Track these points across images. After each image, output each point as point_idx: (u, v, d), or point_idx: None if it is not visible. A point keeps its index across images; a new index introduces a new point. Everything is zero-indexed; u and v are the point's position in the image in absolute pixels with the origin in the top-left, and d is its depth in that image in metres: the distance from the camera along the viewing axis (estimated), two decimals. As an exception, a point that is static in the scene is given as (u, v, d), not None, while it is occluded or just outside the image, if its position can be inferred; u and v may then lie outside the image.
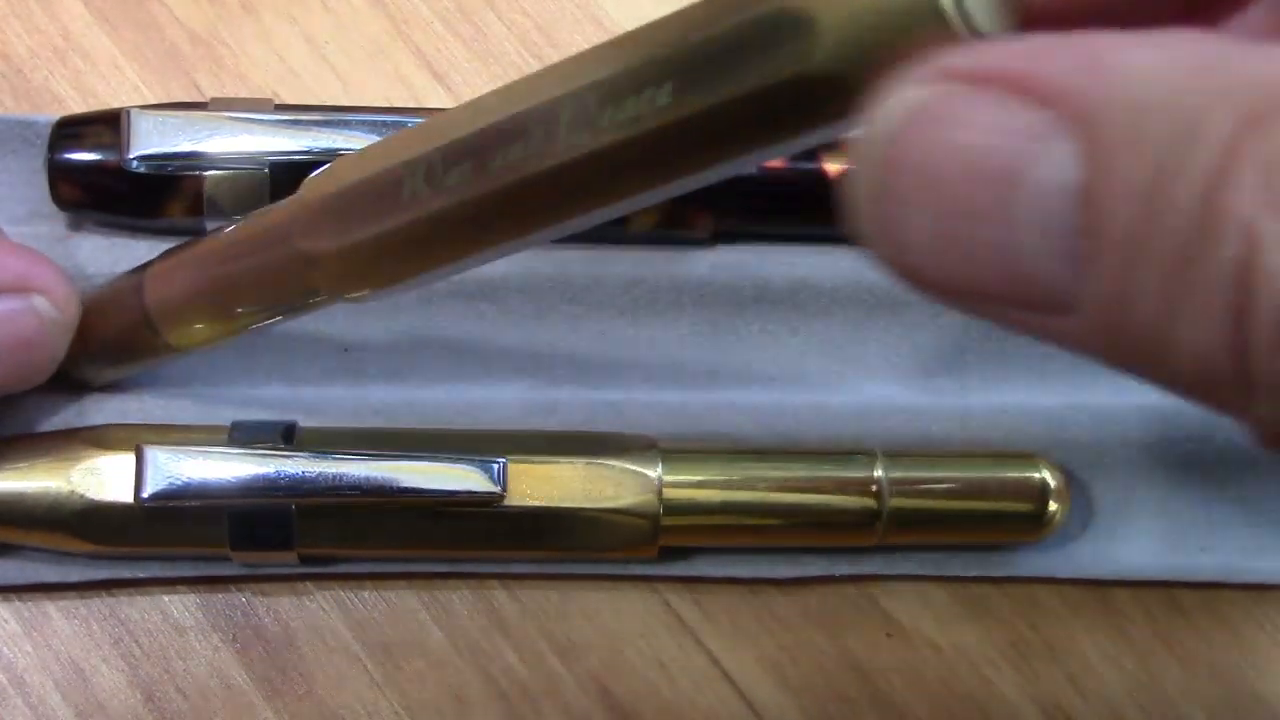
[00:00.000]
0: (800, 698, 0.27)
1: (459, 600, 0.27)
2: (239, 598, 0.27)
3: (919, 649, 0.28)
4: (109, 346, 0.26)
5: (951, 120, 0.15)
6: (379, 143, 0.22)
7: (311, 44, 0.31)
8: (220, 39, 0.31)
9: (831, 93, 0.16)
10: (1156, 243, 0.13)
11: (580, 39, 0.31)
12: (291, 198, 0.23)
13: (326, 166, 0.22)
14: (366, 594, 0.27)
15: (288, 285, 0.23)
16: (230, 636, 0.27)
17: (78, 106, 0.30)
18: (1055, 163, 0.14)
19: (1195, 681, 0.28)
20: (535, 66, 0.31)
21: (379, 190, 0.21)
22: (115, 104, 0.30)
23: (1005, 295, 0.15)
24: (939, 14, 0.15)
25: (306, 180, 0.22)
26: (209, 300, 0.24)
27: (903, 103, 0.15)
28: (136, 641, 0.26)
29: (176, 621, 0.27)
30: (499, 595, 0.27)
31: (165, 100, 0.30)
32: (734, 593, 0.27)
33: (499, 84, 0.31)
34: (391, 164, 0.21)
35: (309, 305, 0.24)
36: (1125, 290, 0.14)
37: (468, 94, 0.31)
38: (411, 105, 0.31)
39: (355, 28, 0.31)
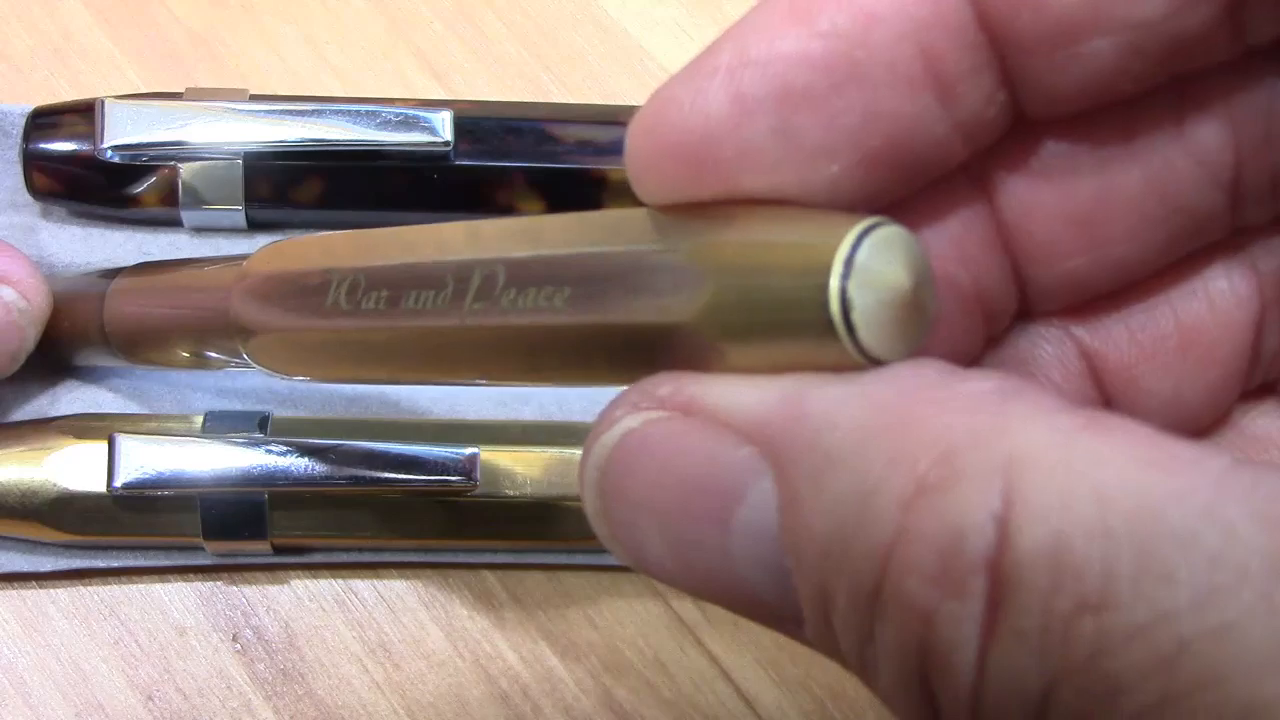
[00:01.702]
0: (800, 697, 0.27)
1: (459, 600, 0.27)
2: (239, 598, 0.27)
3: (919, 649, 0.28)
4: (72, 342, 0.26)
5: (665, 449, 0.15)
6: (328, 235, 0.22)
7: (311, 44, 0.31)
8: (220, 39, 0.31)
9: (697, 350, 0.16)
10: (841, 600, 0.13)
11: (580, 39, 0.31)
12: (241, 262, 0.22)
13: (276, 243, 0.22)
14: (366, 594, 0.27)
15: (219, 344, 0.23)
16: (230, 636, 0.27)
17: (78, 106, 0.30)
18: (758, 502, 0.14)
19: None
20: (535, 66, 0.31)
21: (307, 289, 0.21)
22: (115, 104, 0.30)
23: (743, 612, 0.15)
24: (829, 326, 0.14)
25: (257, 251, 0.22)
26: (153, 333, 0.24)
27: (620, 429, 0.15)
28: (136, 641, 0.26)
29: (176, 621, 0.27)
30: (499, 595, 0.27)
31: (165, 100, 0.30)
32: (734, 593, 0.27)
33: (499, 84, 0.31)
34: (325, 266, 0.20)
35: (237, 366, 0.23)
36: (826, 629, 0.14)
37: (467, 94, 0.31)
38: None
39: (355, 28, 0.31)
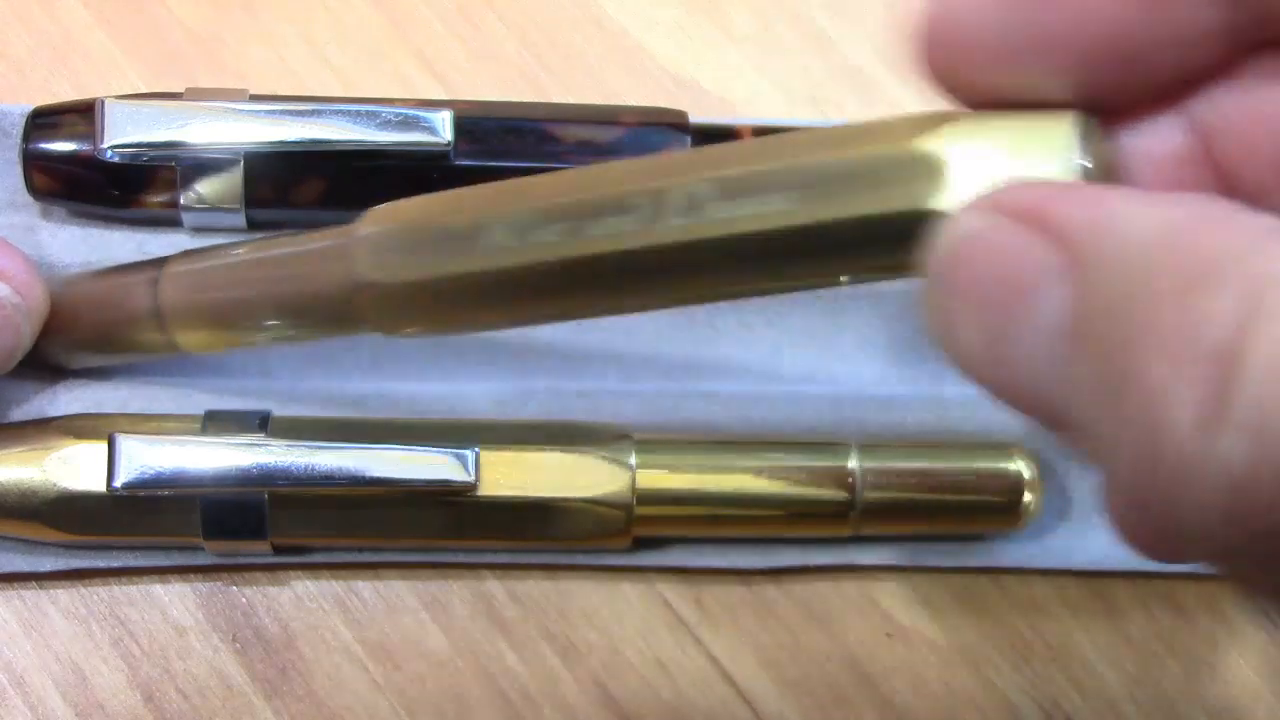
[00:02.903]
0: (800, 697, 0.27)
1: (459, 600, 0.27)
2: (239, 598, 0.27)
3: (919, 649, 0.28)
4: (103, 337, 0.26)
5: (986, 245, 0.18)
6: (456, 192, 0.22)
7: (311, 44, 0.31)
8: (220, 39, 0.31)
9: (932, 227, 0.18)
10: (1120, 386, 0.15)
11: (580, 39, 0.31)
12: (350, 225, 0.22)
13: (393, 203, 0.22)
14: (366, 594, 0.27)
15: (333, 311, 0.23)
16: (230, 636, 0.27)
17: (78, 106, 0.30)
18: (1059, 297, 0.16)
19: (1195, 681, 0.28)
20: (535, 66, 0.31)
21: (456, 234, 0.21)
22: (115, 104, 0.30)
23: (1028, 407, 0.18)
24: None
25: (371, 210, 0.22)
26: (238, 311, 0.24)
27: (957, 227, 0.18)
28: (136, 641, 0.26)
29: (176, 622, 0.27)
30: (499, 595, 0.27)
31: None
32: (734, 592, 0.27)
33: (499, 84, 0.31)
34: (472, 210, 0.21)
35: (347, 331, 0.24)
36: (1101, 422, 0.16)
37: (467, 94, 0.31)
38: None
39: (355, 28, 0.31)
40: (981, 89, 0.19)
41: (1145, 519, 0.15)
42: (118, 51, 0.30)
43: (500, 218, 0.21)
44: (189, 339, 0.25)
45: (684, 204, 0.20)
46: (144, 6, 0.31)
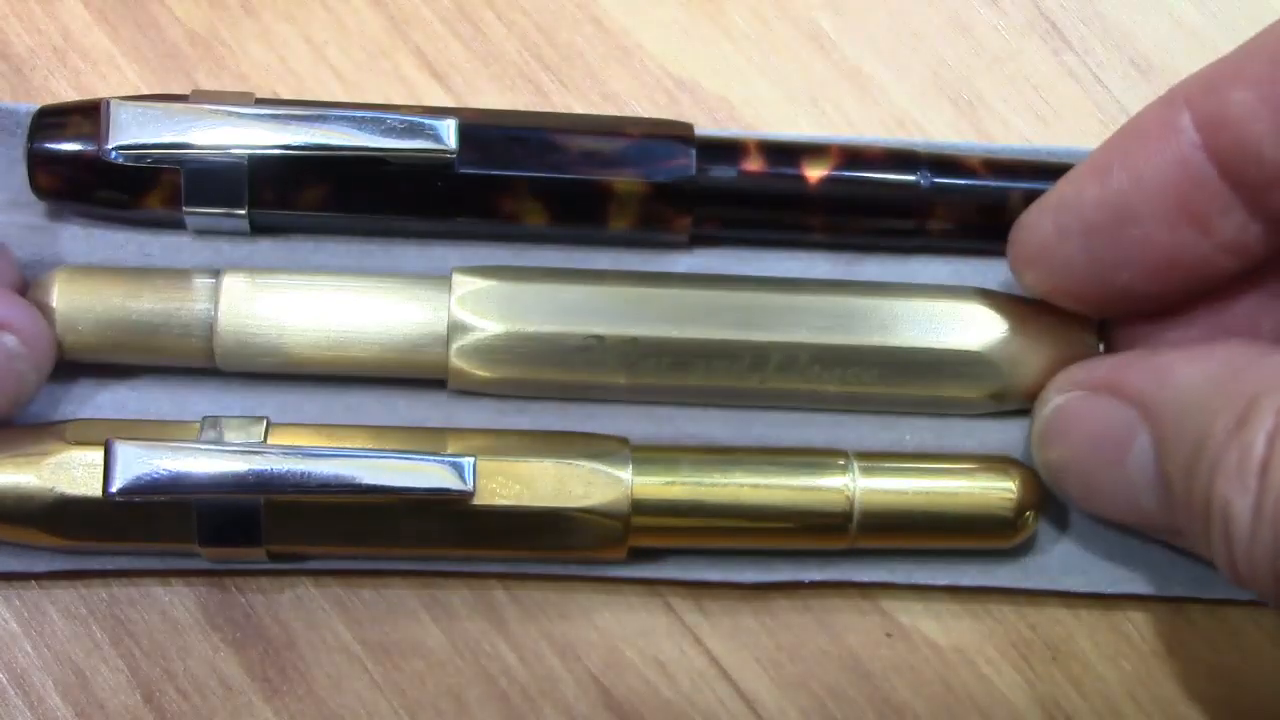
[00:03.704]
0: (800, 698, 0.27)
1: (459, 600, 0.27)
2: (239, 598, 0.27)
3: (919, 649, 0.28)
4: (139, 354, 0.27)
5: (1078, 415, 0.25)
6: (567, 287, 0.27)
7: (311, 44, 0.31)
8: (220, 39, 0.31)
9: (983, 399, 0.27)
10: (1206, 506, 0.21)
11: (580, 39, 0.31)
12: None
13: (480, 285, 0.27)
14: (366, 594, 0.27)
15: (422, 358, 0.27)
16: (230, 636, 0.27)
17: (78, 106, 0.30)
18: (1142, 445, 0.23)
19: (1195, 682, 0.28)
20: (535, 66, 0.31)
21: (568, 345, 0.27)
22: (115, 104, 0.30)
23: (1135, 525, 0.25)
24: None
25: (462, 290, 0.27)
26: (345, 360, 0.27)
27: (1050, 405, 0.26)
28: (136, 641, 0.26)
29: (176, 621, 0.27)
30: (499, 595, 0.27)
31: (165, 100, 0.30)
32: (734, 593, 0.27)
33: (499, 84, 0.31)
34: (586, 329, 0.27)
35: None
36: (1197, 530, 0.21)
37: (468, 94, 0.31)
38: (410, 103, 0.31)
39: (355, 28, 0.31)
40: (1064, 288, 0.26)
41: (1242, 583, 0.21)
42: (117, 51, 0.30)
43: (608, 341, 0.27)
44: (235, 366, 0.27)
45: (782, 361, 0.27)
46: (144, 6, 0.31)
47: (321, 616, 0.27)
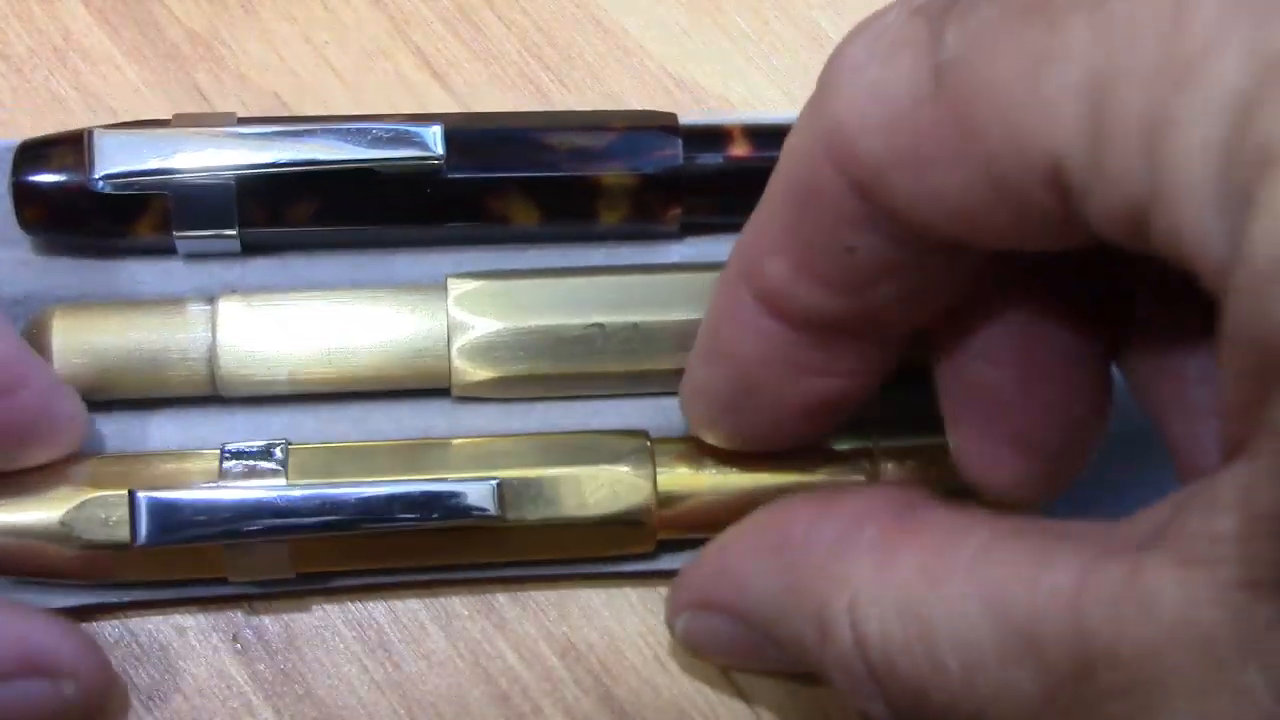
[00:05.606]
0: (800, 698, 0.27)
1: (459, 601, 0.27)
2: (239, 598, 0.27)
3: (919, 649, 0.27)
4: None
5: (708, 634, 0.25)
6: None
7: (311, 44, 0.31)
8: (220, 39, 0.31)
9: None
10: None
11: (580, 39, 0.31)
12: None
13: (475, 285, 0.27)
14: (366, 594, 0.27)
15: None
16: (230, 637, 0.27)
17: (78, 106, 0.30)
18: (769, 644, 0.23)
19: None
20: (535, 66, 0.31)
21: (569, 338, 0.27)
22: (114, 103, 0.30)
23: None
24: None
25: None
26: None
27: (678, 629, 0.26)
28: (136, 641, 0.26)
29: (176, 622, 0.27)
30: (499, 596, 0.27)
31: (164, 100, 0.30)
32: (734, 593, 0.27)
33: (499, 84, 0.31)
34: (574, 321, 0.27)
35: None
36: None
37: (468, 94, 0.31)
38: (413, 110, 0.31)
39: (355, 28, 0.31)
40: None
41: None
42: (117, 52, 0.30)
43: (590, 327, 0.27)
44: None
45: None
46: (144, 6, 0.31)
47: (322, 616, 0.27)
